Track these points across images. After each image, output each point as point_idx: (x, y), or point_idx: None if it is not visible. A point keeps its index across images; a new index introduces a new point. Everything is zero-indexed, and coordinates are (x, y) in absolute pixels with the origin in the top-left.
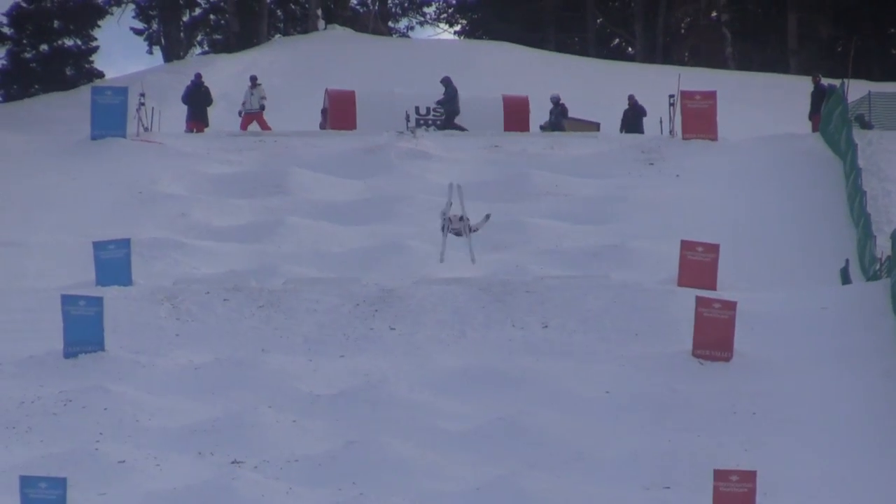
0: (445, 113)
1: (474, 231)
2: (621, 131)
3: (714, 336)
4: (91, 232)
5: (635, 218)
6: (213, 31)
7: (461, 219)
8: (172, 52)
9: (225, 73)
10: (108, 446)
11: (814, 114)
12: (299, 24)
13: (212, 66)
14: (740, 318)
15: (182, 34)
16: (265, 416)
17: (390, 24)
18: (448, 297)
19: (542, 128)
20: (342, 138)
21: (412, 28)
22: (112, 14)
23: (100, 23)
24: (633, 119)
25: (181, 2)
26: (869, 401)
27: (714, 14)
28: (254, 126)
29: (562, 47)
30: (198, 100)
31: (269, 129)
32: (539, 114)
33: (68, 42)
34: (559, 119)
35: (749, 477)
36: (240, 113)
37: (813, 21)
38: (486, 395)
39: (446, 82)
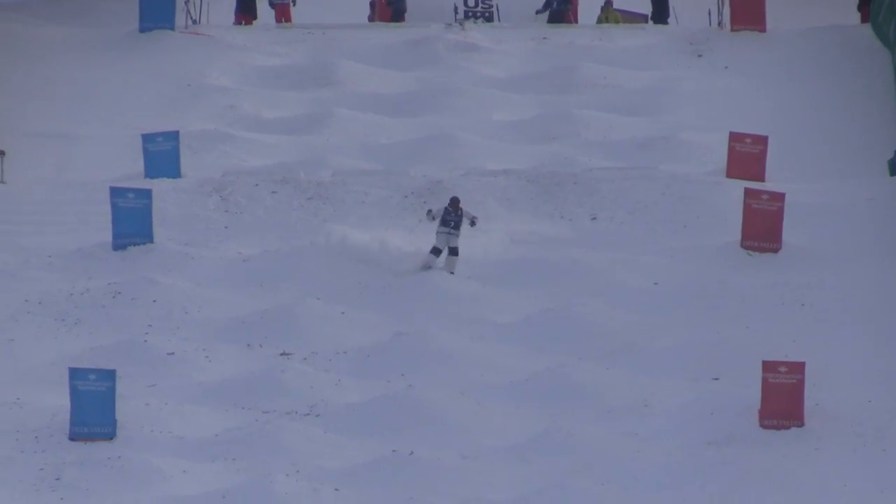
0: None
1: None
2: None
3: (762, 227)
4: (140, 124)
5: (684, 110)
6: None
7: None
8: None
9: None
10: (156, 338)
11: (863, 5)
12: None
13: None
14: (789, 210)
15: None
16: (314, 308)
17: None
18: (496, 188)
19: (538, 12)
20: (390, 31)
21: None
22: None
23: None
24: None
25: None
26: None
27: None
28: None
29: None
30: None
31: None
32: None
33: None
34: (563, 5)
35: (797, 368)
36: (271, 4)
37: None
38: (533, 287)
39: None
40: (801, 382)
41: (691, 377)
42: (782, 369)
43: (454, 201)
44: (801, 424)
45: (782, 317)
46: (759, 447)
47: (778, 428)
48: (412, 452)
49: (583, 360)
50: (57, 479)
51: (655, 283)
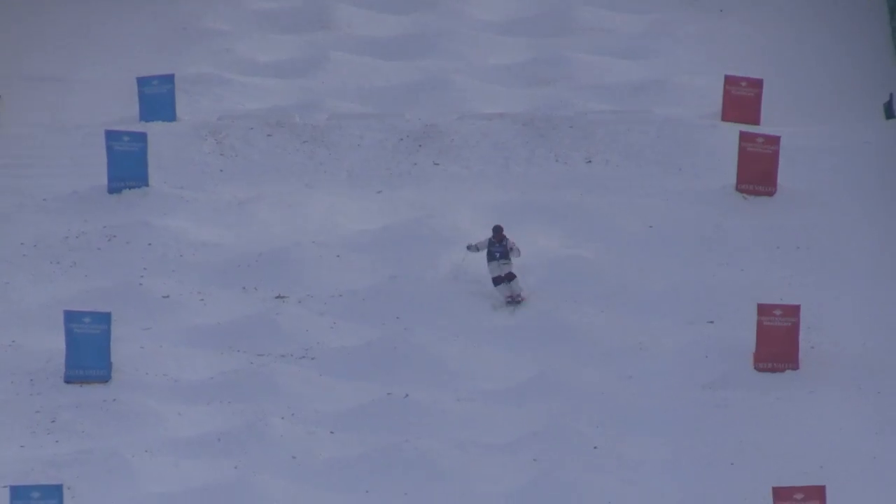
0: None
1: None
2: None
3: (758, 171)
4: (135, 67)
5: (678, 53)
6: None
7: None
8: None
9: None
10: (151, 281)
11: None
12: None
13: None
14: (784, 153)
15: None
16: (309, 251)
17: None
18: (491, 131)
19: None
20: None
21: None
22: None
23: None
24: None
25: None
26: None
27: None
28: None
29: None
30: None
31: None
32: None
33: None
34: None
35: (793, 311)
36: None
37: None
38: (528, 230)
39: None
40: (796, 325)
41: (686, 320)
42: (777, 312)
43: (497, 230)
44: (795, 367)
45: (777, 260)
46: (753, 390)
47: (773, 371)
48: (407, 395)
49: (578, 302)
50: (52, 421)
51: (650, 227)
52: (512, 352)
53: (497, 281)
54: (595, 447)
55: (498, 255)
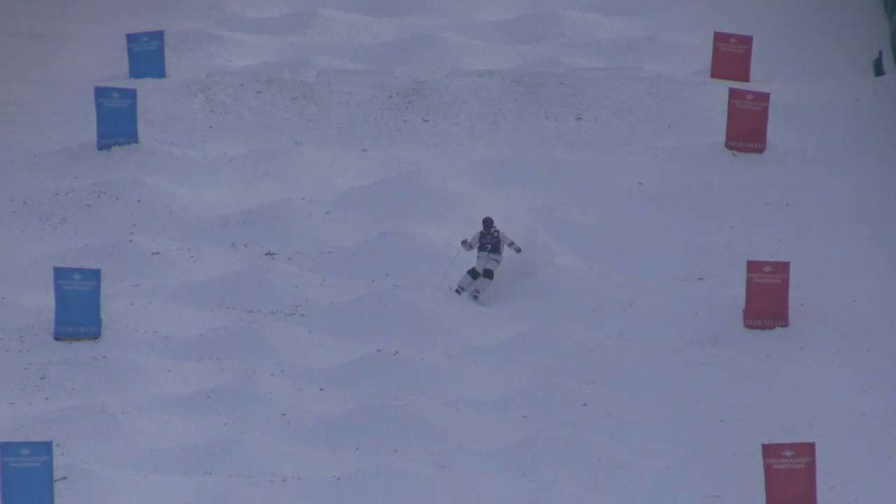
0: None
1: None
2: None
3: (747, 128)
4: (124, 24)
5: (668, 10)
6: None
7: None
8: None
9: None
10: (141, 238)
11: None
12: None
13: None
14: (773, 110)
15: None
16: (299, 208)
17: None
18: (481, 88)
19: None
20: None
21: None
22: None
23: None
24: None
25: None
26: None
27: None
28: None
29: None
30: None
31: None
32: None
33: None
34: None
35: (782, 268)
36: None
37: None
38: (519, 187)
39: None
40: (786, 282)
41: (676, 277)
42: (767, 269)
43: (487, 222)
44: (785, 324)
45: (767, 217)
46: (743, 347)
47: (762, 328)
48: (397, 352)
49: (567, 257)
50: (42, 378)
51: (640, 184)
52: (501, 307)
53: (473, 274)
54: (585, 404)
55: (489, 246)
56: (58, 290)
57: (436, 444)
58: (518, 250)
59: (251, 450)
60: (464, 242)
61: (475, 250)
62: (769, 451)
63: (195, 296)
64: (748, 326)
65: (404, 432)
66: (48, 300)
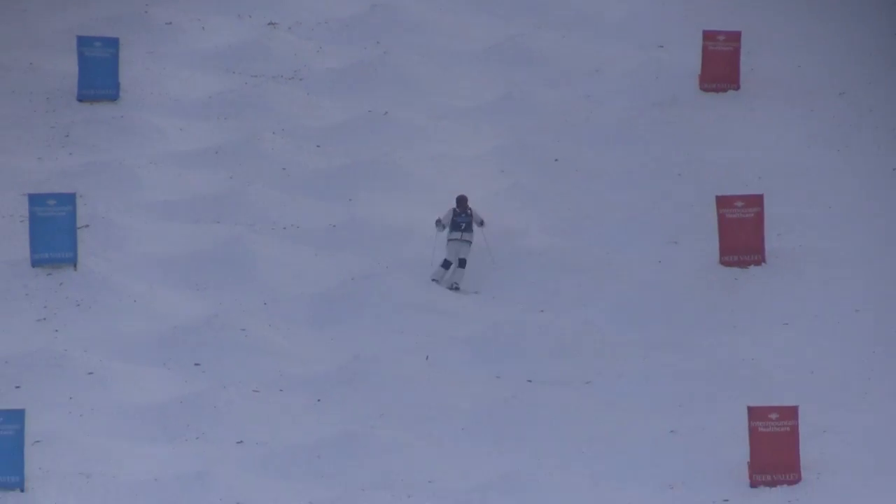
0: None
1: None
2: None
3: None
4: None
5: None
6: None
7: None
8: None
9: None
10: (156, 9)
11: None
12: None
13: None
14: None
15: None
16: None
17: None
18: None
19: None
20: None
21: None
22: None
23: None
24: None
25: None
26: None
27: None
28: None
29: None
30: None
31: None
32: None
33: None
34: None
35: (734, 37)
36: None
37: None
38: None
39: None
40: (737, 50)
41: (638, 45)
42: (721, 38)
43: (461, 201)
44: (737, 88)
45: None
46: (699, 108)
47: (716, 91)
48: (386, 113)
49: (541, 28)
50: (66, 136)
51: None
52: (481, 73)
53: (446, 264)
54: (556, 159)
55: (463, 225)
56: (80, 56)
57: (421, 194)
58: (482, 224)
59: (255, 201)
60: (437, 222)
61: (447, 230)
62: (722, 201)
63: (205, 62)
64: (703, 89)
65: (393, 184)
66: (72, 66)
